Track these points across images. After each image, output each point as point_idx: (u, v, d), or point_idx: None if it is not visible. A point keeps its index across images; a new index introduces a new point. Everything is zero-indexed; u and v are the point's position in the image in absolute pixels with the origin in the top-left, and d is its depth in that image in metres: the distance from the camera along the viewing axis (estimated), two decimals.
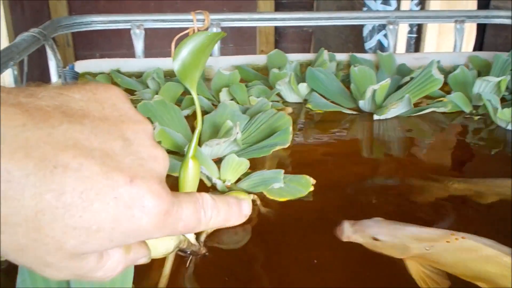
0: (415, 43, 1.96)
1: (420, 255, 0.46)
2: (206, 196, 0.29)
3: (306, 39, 2.86)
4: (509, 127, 0.76)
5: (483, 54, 0.99)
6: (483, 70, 0.93)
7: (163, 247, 0.40)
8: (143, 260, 0.30)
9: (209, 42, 0.36)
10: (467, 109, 0.82)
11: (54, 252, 0.23)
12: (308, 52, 2.36)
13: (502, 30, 1.61)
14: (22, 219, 0.22)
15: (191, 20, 1.00)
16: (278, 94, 0.86)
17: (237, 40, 2.81)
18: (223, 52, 1.04)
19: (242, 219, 0.33)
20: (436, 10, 1.42)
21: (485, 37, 1.53)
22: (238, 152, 0.62)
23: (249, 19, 1.05)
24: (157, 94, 0.80)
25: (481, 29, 1.54)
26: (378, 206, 0.55)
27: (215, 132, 0.66)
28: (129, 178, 0.24)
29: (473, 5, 1.68)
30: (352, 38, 2.17)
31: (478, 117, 0.80)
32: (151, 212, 0.25)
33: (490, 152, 0.70)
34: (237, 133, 0.59)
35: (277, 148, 0.64)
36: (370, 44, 1.90)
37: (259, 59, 1.01)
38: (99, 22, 1.00)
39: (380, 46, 1.88)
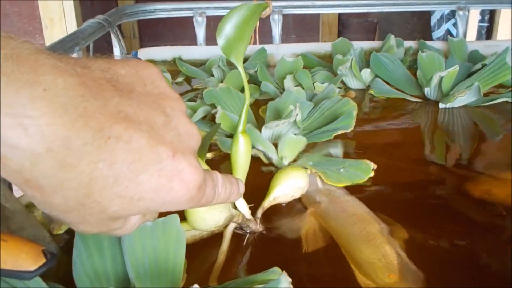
0: (487, 33, 1.86)
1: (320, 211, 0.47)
2: (218, 174, 0.32)
3: (371, 29, 2.80)
4: None
5: None
6: None
7: (212, 220, 0.39)
8: (150, 223, 0.32)
9: (252, 14, 0.35)
10: None
11: (96, 215, 0.25)
12: None
13: None
14: (76, 185, 0.23)
15: None
16: (341, 81, 0.84)
17: (300, 31, 2.79)
18: (285, 42, 1.03)
19: (239, 197, 0.36)
20: None
21: None
22: (300, 135, 0.61)
23: (311, 5, 1.03)
24: (221, 82, 0.80)
25: None
26: (438, 193, 0.53)
27: (279, 118, 0.65)
28: (172, 152, 0.26)
29: None
30: (419, 28, 2.09)
31: None
32: (188, 186, 0.27)
33: None
34: (296, 114, 0.58)
35: (339, 132, 0.62)
36: (438, 33, 1.83)
37: (320, 47, 0.99)
38: (162, 10, 1.02)
39: (449, 36, 1.80)
